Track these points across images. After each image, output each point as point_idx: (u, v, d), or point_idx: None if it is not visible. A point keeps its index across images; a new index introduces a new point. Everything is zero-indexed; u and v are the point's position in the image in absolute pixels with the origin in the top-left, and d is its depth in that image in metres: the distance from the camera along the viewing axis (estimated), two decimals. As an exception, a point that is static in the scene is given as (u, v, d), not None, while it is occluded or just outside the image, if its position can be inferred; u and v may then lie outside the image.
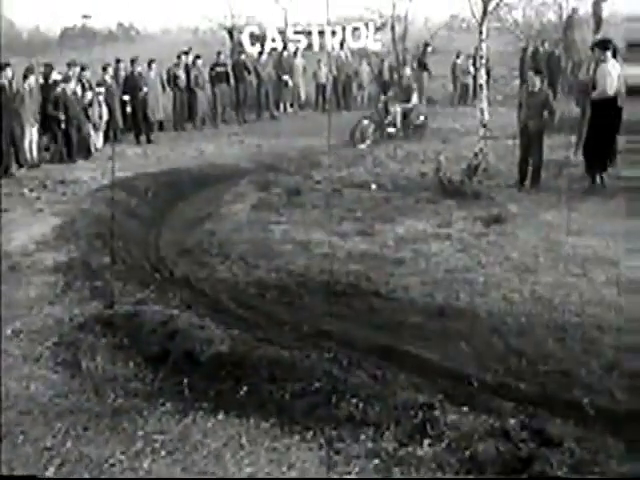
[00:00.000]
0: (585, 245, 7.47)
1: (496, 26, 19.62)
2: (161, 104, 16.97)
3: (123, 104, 15.40)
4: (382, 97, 15.64)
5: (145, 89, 15.77)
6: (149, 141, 15.60)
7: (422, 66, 20.16)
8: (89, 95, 14.15)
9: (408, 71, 16.97)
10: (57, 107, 13.05)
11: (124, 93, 15.44)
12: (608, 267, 6.80)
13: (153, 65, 16.62)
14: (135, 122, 15.71)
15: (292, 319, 5.87)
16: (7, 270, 7.23)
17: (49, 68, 14.01)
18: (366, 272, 6.98)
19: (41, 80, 13.63)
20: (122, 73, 16.07)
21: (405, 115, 15.29)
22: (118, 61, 16.30)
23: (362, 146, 14.09)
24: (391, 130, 14.95)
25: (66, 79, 13.65)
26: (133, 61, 15.94)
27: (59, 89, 13.17)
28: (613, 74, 9.45)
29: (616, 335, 5.35)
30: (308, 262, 7.35)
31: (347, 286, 6.63)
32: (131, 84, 15.58)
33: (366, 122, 14.70)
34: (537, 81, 10.19)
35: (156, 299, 6.37)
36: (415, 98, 15.65)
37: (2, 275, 7.07)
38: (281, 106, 19.74)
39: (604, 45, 9.79)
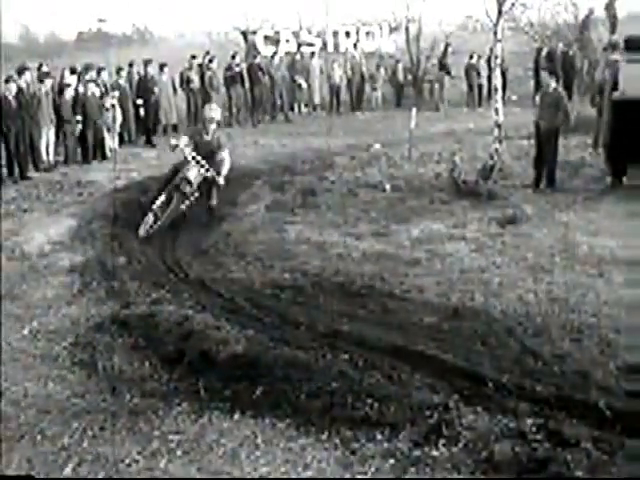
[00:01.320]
0: (601, 245, 7.43)
1: (511, 26, 19.53)
2: (174, 107, 17.04)
3: (136, 107, 15.47)
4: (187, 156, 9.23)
5: (157, 91, 15.84)
6: (151, 145, 15.55)
7: (443, 68, 20.13)
8: (105, 98, 14.24)
9: (210, 110, 9.64)
10: (75, 109, 13.17)
11: (137, 96, 15.50)
12: (625, 267, 6.75)
13: (165, 69, 16.69)
14: (146, 125, 15.77)
15: (307, 319, 5.87)
16: (25, 271, 7.30)
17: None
18: (381, 273, 6.97)
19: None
20: (136, 76, 16.15)
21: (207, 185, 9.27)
22: (131, 64, 16.37)
23: (141, 232, 8.69)
24: (182, 207, 9.07)
25: (86, 81, 13.78)
26: (146, 63, 16.00)
27: (78, 91, 13.32)
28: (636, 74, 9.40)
29: (633, 336, 5.32)
30: (323, 263, 7.36)
31: (362, 287, 6.63)
32: (144, 87, 15.65)
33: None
34: (551, 81, 10.16)
35: (172, 299, 6.41)
36: (226, 155, 9.32)
37: (20, 276, 7.14)
38: (295, 108, 19.77)
39: (634, 44, 9.73)
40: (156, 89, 15.85)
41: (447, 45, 20.41)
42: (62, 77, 14.18)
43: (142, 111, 15.54)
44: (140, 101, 15.46)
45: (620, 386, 4.62)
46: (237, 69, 18.11)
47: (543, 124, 10.12)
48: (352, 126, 16.72)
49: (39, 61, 15.27)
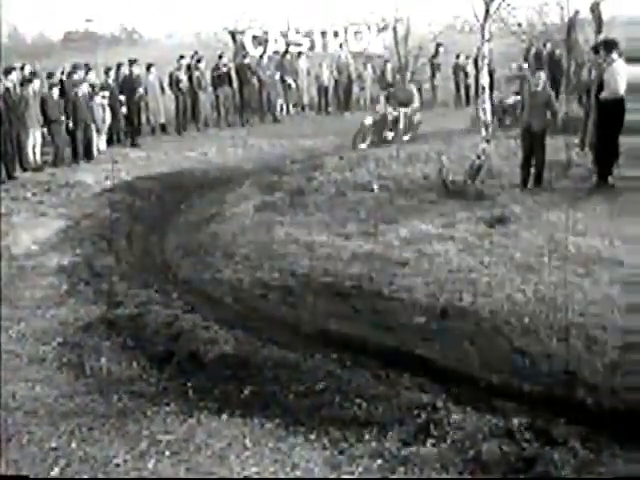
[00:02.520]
0: (589, 245, 7.46)
1: (499, 27, 19.58)
2: (162, 107, 17.01)
3: (120, 105, 15.39)
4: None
5: (141, 90, 15.79)
6: (135, 144, 15.50)
7: (434, 67, 20.17)
8: (94, 97, 14.21)
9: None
10: (66, 110, 13.13)
11: (120, 94, 15.40)
12: (612, 267, 6.79)
13: (152, 69, 16.65)
14: (130, 124, 15.72)
15: (296, 320, 5.88)
16: (13, 272, 7.26)
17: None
18: (369, 273, 6.98)
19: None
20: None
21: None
22: (119, 66, 16.32)
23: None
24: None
25: (76, 83, 13.71)
26: (131, 63, 15.96)
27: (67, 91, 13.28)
28: (622, 74, 9.44)
29: (620, 335, 5.35)
30: (311, 263, 7.35)
31: (350, 287, 6.63)
32: (128, 86, 15.59)
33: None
34: (539, 82, 10.19)
35: (160, 300, 6.39)
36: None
37: (8, 277, 7.10)
38: (284, 108, 19.75)
39: (611, 46, 9.78)
40: (140, 89, 15.80)
41: (438, 45, 20.44)
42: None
43: (124, 110, 15.46)
44: (122, 98, 15.35)
45: (607, 384, 4.65)
46: (224, 69, 18.09)
47: (533, 124, 10.14)
48: (341, 126, 16.70)
49: (26, 61, 15.22)
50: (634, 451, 3.83)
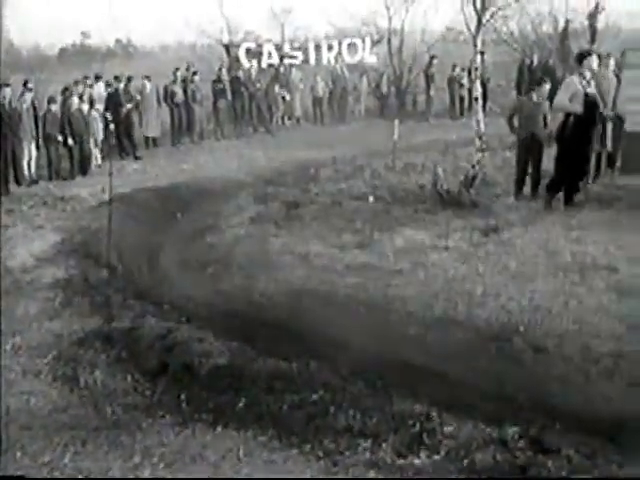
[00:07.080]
0: (583, 252, 7.48)
1: (492, 38, 19.68)
2: (158, 121, 17.07)
3: (106, 121, 15.42)
4: None
5: (129, 106, 15.83)
6: (136, 158, 15.58)
7: (429, 78, 20.27)
8: (92, 112, 14.28)
9: None
10: (62, 124, 13.17)
11: (106, 110, 15.43)
12: (607, 274, 6.81)
13: (149, 81, 16.76)
14: (118, 139, 15.76)
15: (291, 331, 5.87)
16: (8, 286, 7.25)
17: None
18: (364, 283, 6.98)
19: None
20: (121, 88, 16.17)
21: None
22: (116, 78, 16.43)
23: None
24: None
25: (70, 95, 13.75)
26: (116, 78, 16.08)
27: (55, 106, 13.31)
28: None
29: (615, 342, 5.36)
30: (307, 274, 7.36)
31: (345, 297, 6.64)
32: (113, 101, 15.65)
33: None
34: (531, 92, 10.24)
35: (155, 312, 6.39)
36: None
37: (3, 291, 7.09)
38: (278, 120, 19.84)
39: (586, 55, 9.62)
40: (129, 104, 15.85)
41: (432, 57, 20.54)
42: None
43: (112, 125, 15.50)
44: (108, 115, 15.39)
45: (602, 392, 4.66)
46: (224, 83, 18.23)
47: (525, 132, 10.18)
48: (336, 138, 16.76)
49: (23, 75, 15.25)
50: (629, 456, 3.83)
